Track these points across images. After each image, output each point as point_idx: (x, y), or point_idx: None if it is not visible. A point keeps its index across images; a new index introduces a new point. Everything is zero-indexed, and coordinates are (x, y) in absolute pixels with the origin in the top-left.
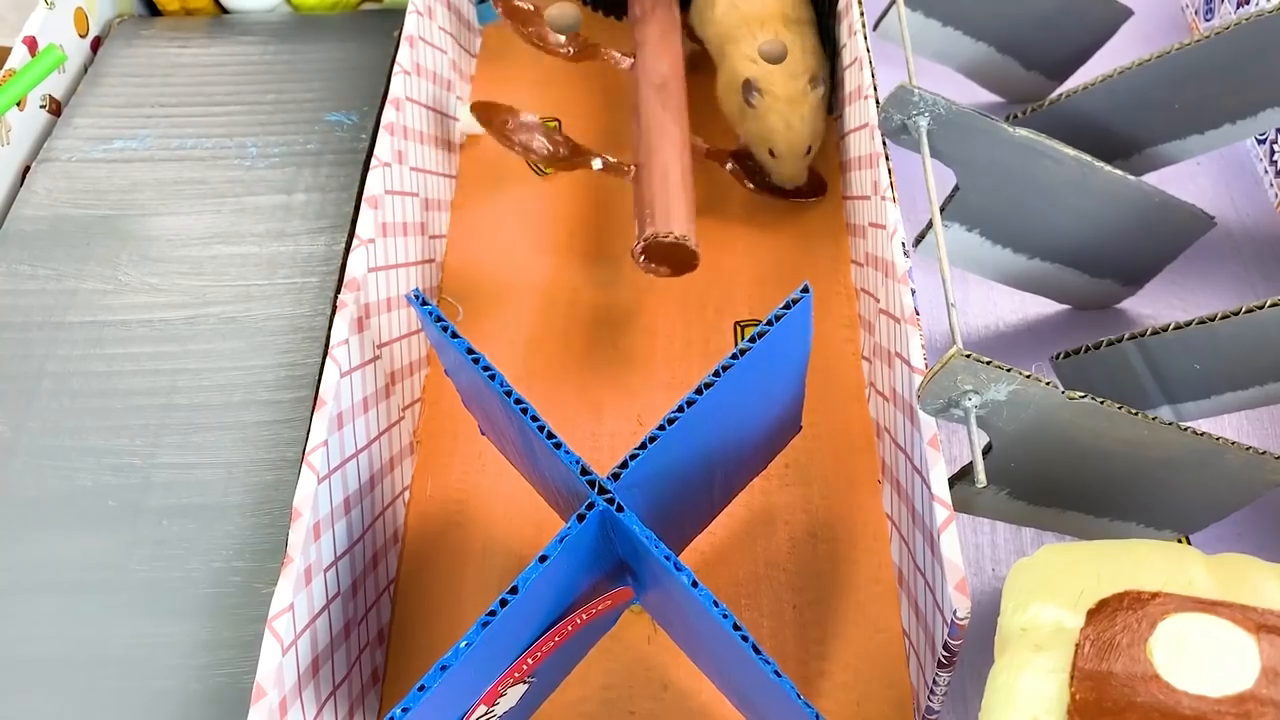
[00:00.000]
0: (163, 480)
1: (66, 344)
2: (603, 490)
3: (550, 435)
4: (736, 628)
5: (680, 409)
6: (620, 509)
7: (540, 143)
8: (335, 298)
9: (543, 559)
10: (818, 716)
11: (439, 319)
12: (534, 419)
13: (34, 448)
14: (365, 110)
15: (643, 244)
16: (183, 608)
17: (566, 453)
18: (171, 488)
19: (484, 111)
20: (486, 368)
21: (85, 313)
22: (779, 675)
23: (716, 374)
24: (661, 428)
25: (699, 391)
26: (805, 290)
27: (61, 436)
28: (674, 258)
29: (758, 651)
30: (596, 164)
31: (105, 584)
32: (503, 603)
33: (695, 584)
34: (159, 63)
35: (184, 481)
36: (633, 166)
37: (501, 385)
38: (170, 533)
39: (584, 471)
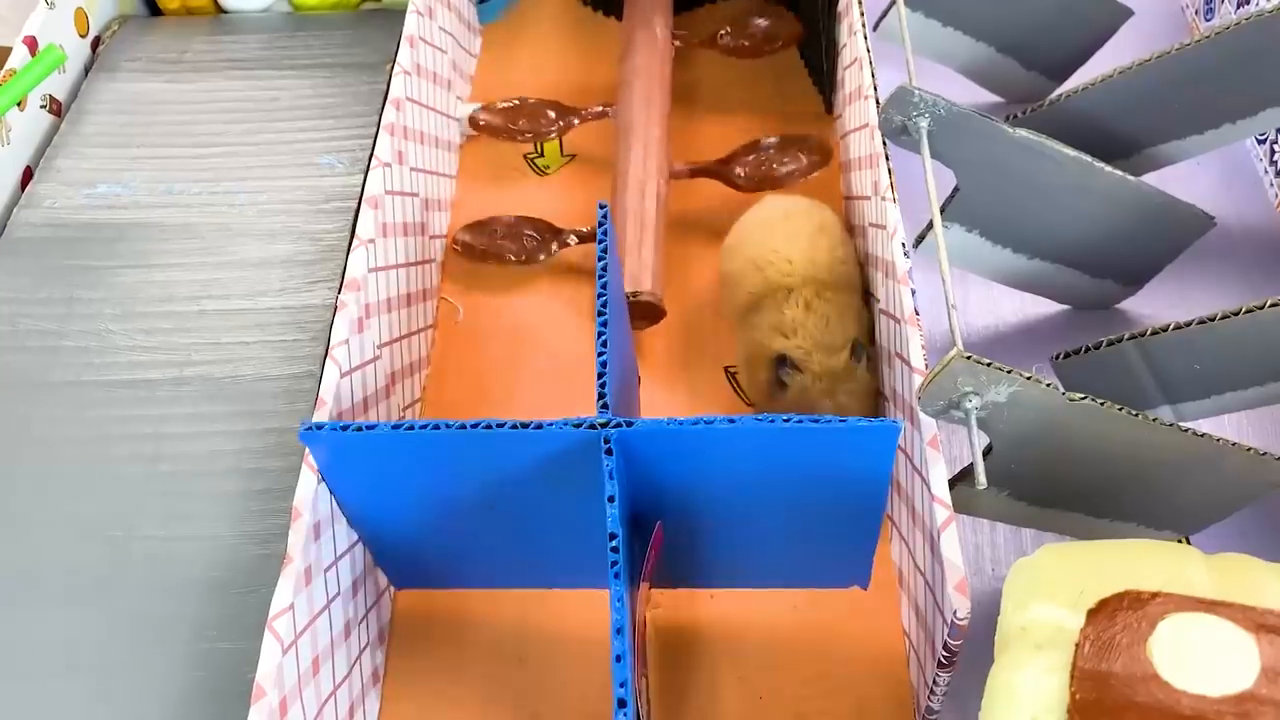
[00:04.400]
0: (144, 553)
1: (48, 405)
2: (603, 426)
3: (528, 424)
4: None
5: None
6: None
7: (527, 236)
8: (326, 357)
9: (611, 499)
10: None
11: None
12: (502, 425)
13: (10, 518)
14: (357, 154)
15: None
16: (165, 692)
17: (551, 422)
18: (154, 562)
19: (469, 235)
20: (424, 426)
21: (68, 372)
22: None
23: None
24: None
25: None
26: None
27: (40, 506)
28: (643, 311)
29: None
30: (572, 240)
31: (85, 666)
32: None
33: (730, 420)
34: (144, 99)
35: (166, 555)
36: None
37: (448, 425)
38: (152, 610)
39: (578, 425)
